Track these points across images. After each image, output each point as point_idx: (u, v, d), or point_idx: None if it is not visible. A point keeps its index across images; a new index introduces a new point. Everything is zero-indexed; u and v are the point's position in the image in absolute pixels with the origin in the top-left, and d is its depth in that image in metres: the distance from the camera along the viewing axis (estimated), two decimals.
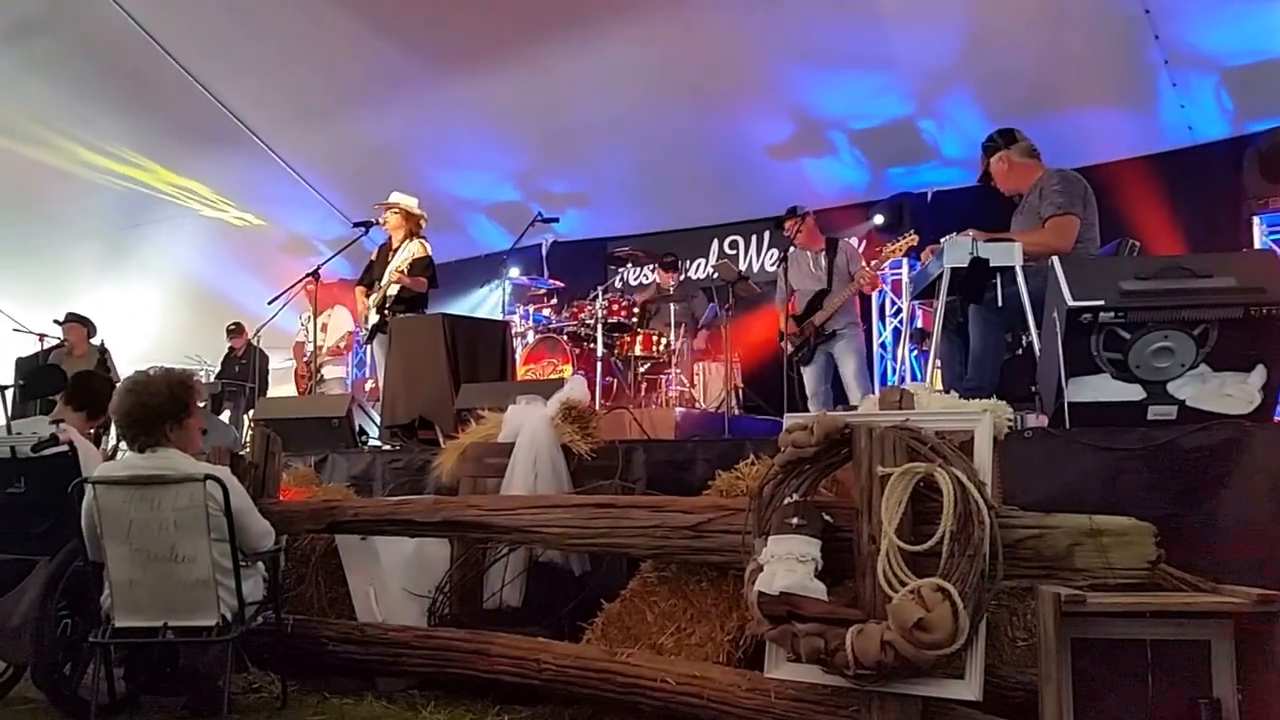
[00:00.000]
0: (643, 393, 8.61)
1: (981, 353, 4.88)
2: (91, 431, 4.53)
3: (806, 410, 6.86)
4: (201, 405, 3.96)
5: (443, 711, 3.72)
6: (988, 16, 7.80)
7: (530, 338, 9.15)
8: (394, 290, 7.64)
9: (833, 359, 7.30)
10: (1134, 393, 3.55)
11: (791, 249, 7.62)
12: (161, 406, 3.65)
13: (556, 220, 9.35)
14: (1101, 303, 3.46)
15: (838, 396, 7.24)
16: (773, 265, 10.36)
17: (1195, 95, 7.82)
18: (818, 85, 8.95)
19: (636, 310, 8.83)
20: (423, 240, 7.80)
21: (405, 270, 7.62)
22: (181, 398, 3.72)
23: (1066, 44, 7.69)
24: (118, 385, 3.77)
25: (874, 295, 9.20)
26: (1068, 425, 3.61)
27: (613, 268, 11.34)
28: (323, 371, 9.38)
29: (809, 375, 7.39)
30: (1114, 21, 7.44)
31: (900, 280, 9.22)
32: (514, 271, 9.58)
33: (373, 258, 8.06)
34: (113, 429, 4.88)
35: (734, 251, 10.90)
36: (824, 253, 7.42)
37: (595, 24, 8.58)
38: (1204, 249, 7.31)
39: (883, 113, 9.03)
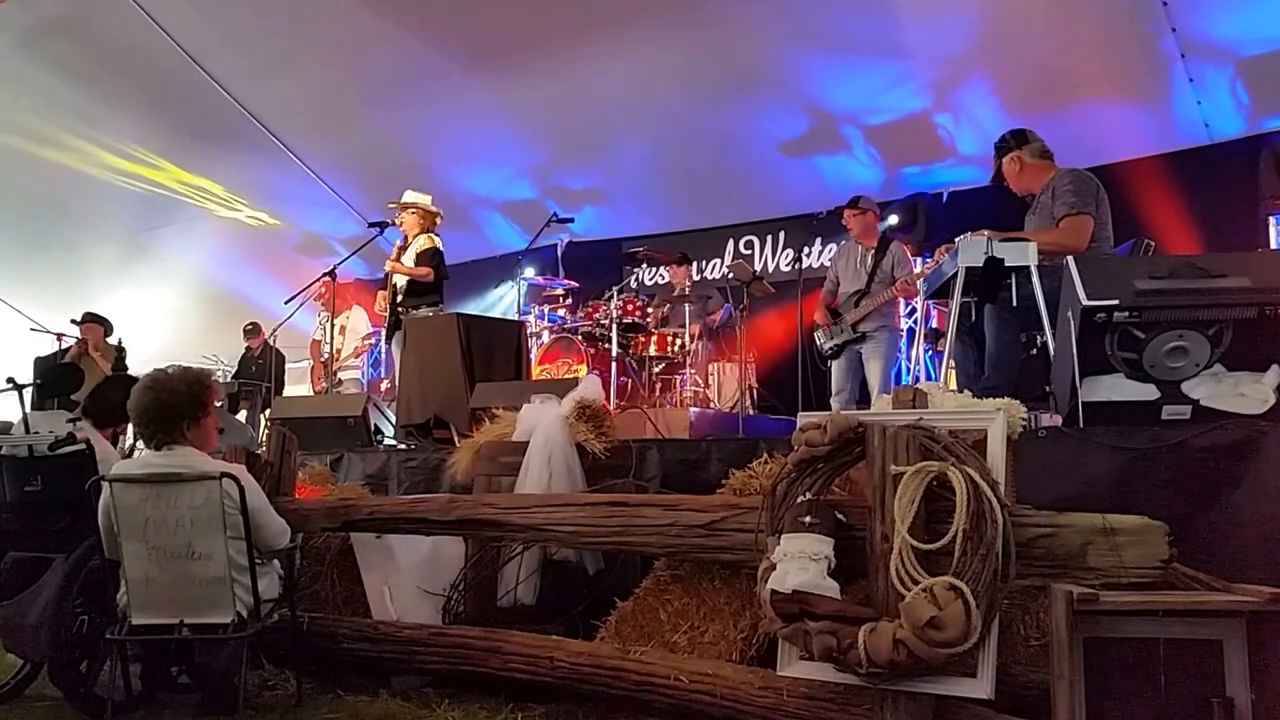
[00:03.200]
0: (657, 393, 8.62)
1: (998, 352, 4.89)
2: (109, 432, 4.55)
3: (826, 408, 6.83)
4: (219, 405, 3.98)
5: (457, 709, 3.72)
6: (1005, 5, 7.75)
7: (545, 338, 9.18)
8: (401, 281, 7.73)
9: (860, 359, 7.22)
10: (1148, 392, 3.55)
11: (845, 241, 7.60)
12: (179, 405, 3.67)
13: (572, 220, 9.39)
14: (1116, 302, 3.46)
15: (864, 397, 7.15)
16: (788, 265, 10.41)
17: (1211, 90, 7.79)
18: (832, 77, 8.91)
19: (651, 312, 8.85)
20: (430, 235, 7.86)
21: (413, 262, 7.73)
22: (199, 396, 3.74)
23: (1083, 36, 7.65)
24: (136, 383, 3.79)
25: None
26: (1081, 425, 3.62)
27: (628, 268, 11.36)
28: (340, 374, 9.45)
29: (835, 371, 7.33)
30: (1131, 12, 7.41)
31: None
32: (529, 271, 9.62)
33: (385, 265, 8.16)
34: (129, 429, 4.93)
35: (749, 252, 10.92)
36: (873, 251, 7.27)
37: (611, 21, 8.61)
38: (1219, 249, 7.28)
39: (898, 106, 9.00)
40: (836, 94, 9.10)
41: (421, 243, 7.80)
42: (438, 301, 7.87)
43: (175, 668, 4.09)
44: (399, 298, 7.80)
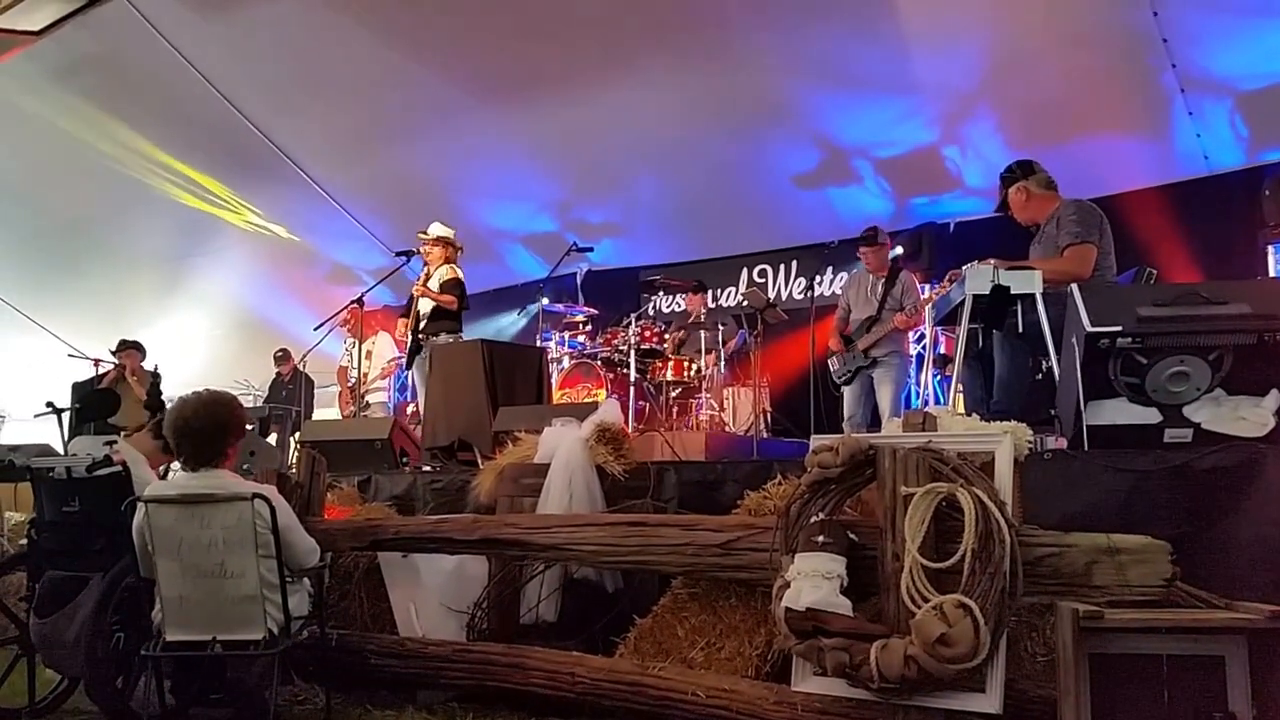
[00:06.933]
0: (674, 416, 8.70)
1: (1008, 377, 4.92)
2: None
3: (838, 431, 6.89)
4: (250, 428, 4.08)
5: None
6: (1010, 43, 7.83)
7: (566, 363, 9.25)
8: (426, 307, 7.90)
9: (872, 384, 7.33)
10: (1151, 416, 3.60)
11: (856, 269, 7.75)
12: (233, 426, 3.79)
13: (591, 250, 9.50)
14: (1119, 328, 3.52)
15: (875, 421, 7.22)
16: (800, 293, 10.52)
17: (1211, 123, 7.82)
18: (843, 111, 8.98)
19: (668, 338, 8.96)
20: (453, 265, 8.05)
21: (437, 290, 7.89)
22: (242, 420, 3.87)
23: (1086, 71, 7.69)
24: (172, 405, 3.90)
25: None
26: (1086, 447, 3.66)
27: (645, 296, 11.47)
28: (368, 398, 9.56)
29: (848, 396, 7.45)
30: (1132, 50, 7.45)
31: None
32: (549, 299, 9.74)
33: (413, 290, 8.34)
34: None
35: (762, 280, 11.01)
36: (884, 280, 7.42)
37: (628, 60, 8.72)
38: (1219, 277, 7.28)
39: (907, 139, 9.06)
40: (847, 128, 9.18)
41: (444, 273, 7.98)
42: (457, 329, 8.02)
43: (208, 683, 4.18)
44: (421, 323, 7.98)
